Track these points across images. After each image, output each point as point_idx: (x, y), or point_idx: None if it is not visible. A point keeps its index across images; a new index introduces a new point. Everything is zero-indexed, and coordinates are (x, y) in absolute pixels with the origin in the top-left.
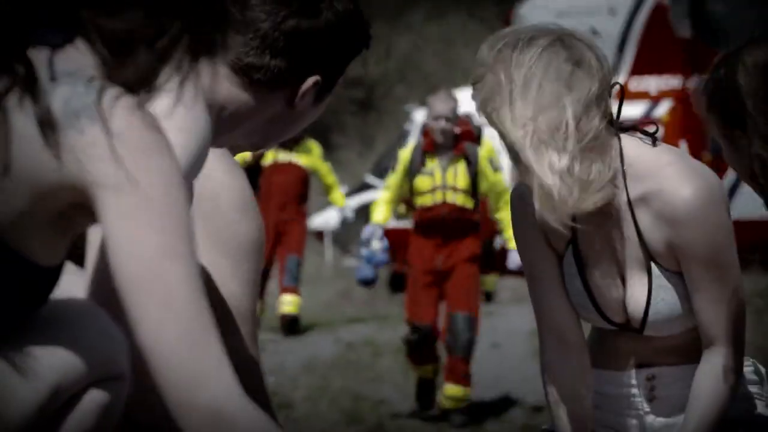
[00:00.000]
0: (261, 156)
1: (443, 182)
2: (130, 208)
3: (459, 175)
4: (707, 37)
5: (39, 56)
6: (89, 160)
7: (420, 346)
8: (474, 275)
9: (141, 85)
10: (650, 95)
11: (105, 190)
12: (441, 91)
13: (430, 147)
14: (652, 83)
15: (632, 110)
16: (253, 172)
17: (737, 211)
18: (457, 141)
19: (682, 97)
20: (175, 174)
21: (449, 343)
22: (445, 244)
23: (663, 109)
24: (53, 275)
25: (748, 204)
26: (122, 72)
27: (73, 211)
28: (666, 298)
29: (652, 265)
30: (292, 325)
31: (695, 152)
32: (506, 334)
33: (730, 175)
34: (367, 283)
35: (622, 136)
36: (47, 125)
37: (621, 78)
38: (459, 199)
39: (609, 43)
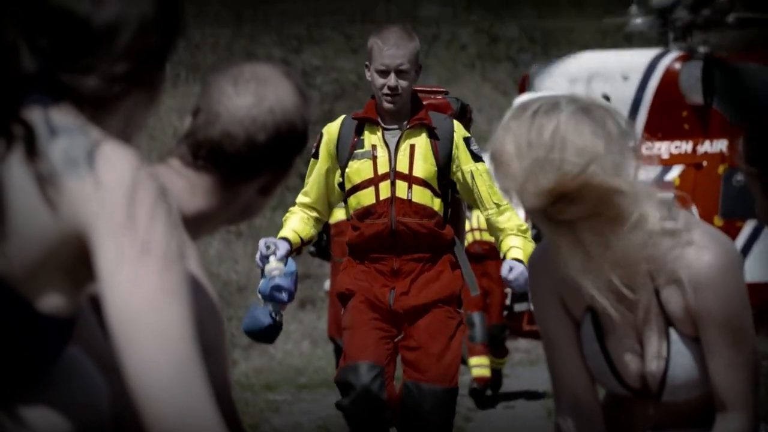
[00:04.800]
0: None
1: (391, 167)
2: (130, 250)
3: (418, 155)
4: (717, 102)
5: (34, 115)
6: (88, 205)
7: (363, 410)
8: (448, 320)
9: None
10: (662, 160)
11: (104, 233)
12: (389, 29)
13: (371, 112)
14: (664, 148)
15: (644, 175)
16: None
17: (747, 275)
18: (416, 107)
19: (693, 162)
20: (170, 218)
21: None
22: (398, 274)
23: (674, 173)
24: (68, 327)
25: (757, 267)
26: (107, 125)
27: (78, 266)
28: (684, 364)
29: (671, 330)
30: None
31: (706, 216)
32: (520, 396)
33: (740, 239)
34: (261, 333)
35: None
36: (48, 177)
37: None
38: (417, 196)
39: (621, 109)
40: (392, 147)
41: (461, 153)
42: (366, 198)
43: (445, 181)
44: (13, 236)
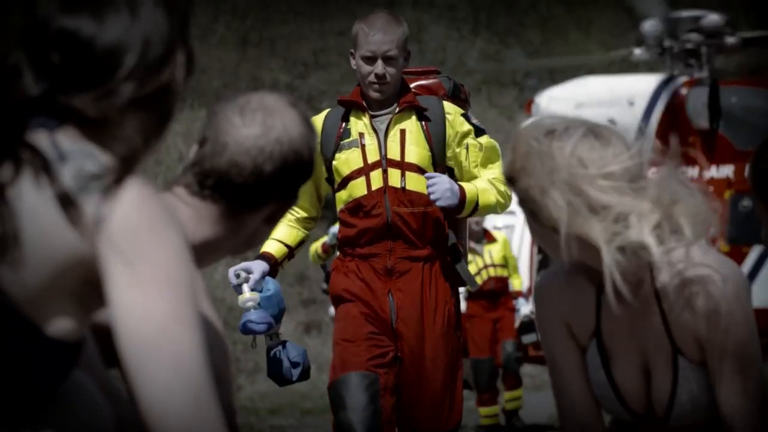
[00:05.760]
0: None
1: (382, 154)
2: (141, 278)
3: (410, 140)
4: (724, 128)
5: (40, 139)
6: (101, 233)
7: (358, 425)
8: (445, 353)
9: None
10: None
11: (115, 260)
12: (375, 14)
13: (357, 97)
14: None
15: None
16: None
17: (753, 300)
18: (403, 90)
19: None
20: (180, 245)
21: None
22: (392, 273)
23: None
24: (75, 350)
25: (764, 293)
26: (112, 149)
27: (87, 291)
28: (691, 389)
29: (678, 356)
30: None
31: (712, 242)
32: (526, 421)
33: (747, 265)
34: (281, 378)
35: None
36: (65, 201)
37: None
38: (411, 183)
39: (627, 134)
40: (381, 133)
41: (459, 127)
42: (357, 189)
43: (440, 166)
44: (24, 260)
